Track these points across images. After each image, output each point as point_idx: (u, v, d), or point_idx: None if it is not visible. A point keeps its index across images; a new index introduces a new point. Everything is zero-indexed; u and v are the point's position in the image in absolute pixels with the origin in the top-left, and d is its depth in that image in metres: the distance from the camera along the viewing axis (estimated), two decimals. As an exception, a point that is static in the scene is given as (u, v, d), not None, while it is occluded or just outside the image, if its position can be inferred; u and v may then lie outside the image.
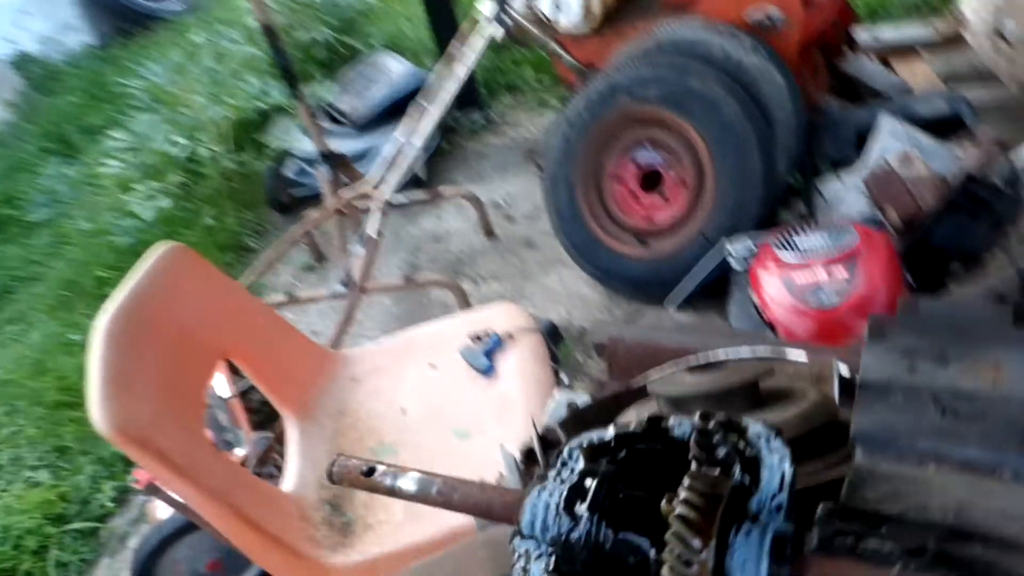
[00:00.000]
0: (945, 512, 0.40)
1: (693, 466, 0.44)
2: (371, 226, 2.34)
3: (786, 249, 2.20)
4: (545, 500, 0.46)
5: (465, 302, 2.75)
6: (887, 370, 0.52)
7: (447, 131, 3.97)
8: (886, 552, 0.38)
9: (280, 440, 2.32)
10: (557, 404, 1.00)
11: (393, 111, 3.81)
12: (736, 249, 2.33)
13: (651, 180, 2.74)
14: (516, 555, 0.46)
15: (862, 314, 2.00)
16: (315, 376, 1.95)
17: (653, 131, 2.68)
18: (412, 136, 2.51)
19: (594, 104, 2.69)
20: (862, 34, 3.56)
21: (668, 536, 0.40)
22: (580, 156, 2.77)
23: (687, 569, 0.39)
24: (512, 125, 4.13)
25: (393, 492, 0.50)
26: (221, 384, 2.38)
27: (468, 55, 2.55)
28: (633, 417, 0.74)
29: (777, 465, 0.44)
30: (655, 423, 0.48)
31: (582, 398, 0.94)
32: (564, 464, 0.48)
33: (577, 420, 0.76)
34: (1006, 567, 0.36)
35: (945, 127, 2.72)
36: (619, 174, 2.80)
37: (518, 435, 1.66)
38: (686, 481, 0.42)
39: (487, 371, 1.82)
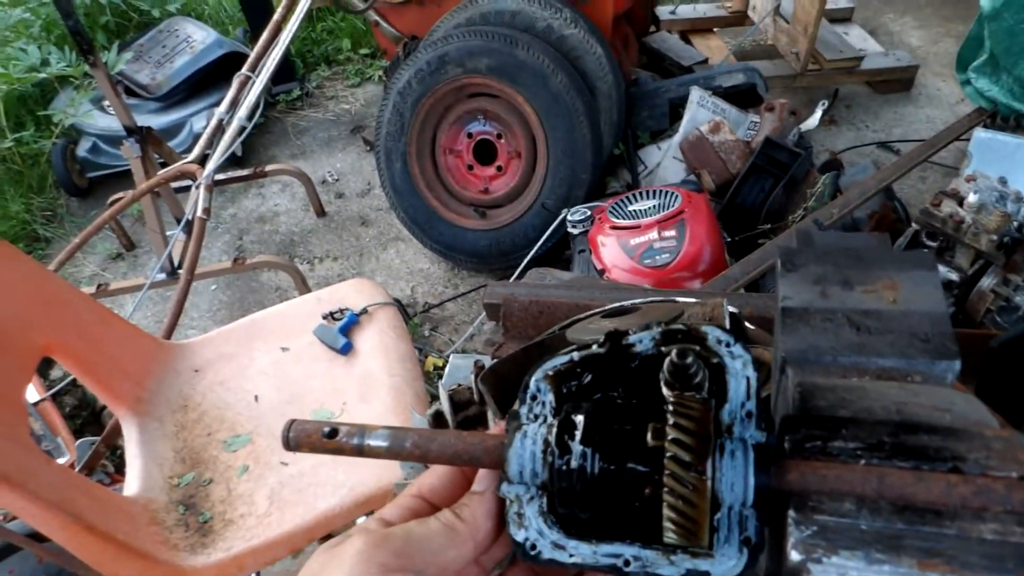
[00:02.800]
0: (889, 412, 0.45)
1: (667, 392, 0.46)
2: (198, 206, 2.17)
3: (620, 215, 2.33)
4: (529, 448, 0.46)
5: (302, 283, 2.64)
6: (803, 297, 0.58)
7: (263, 106, 3.76)
8: (851, 449, 0.43)
9: (107, 444, 2.12)
10: (455, 367, 1.00)
11: (197, 82, 3.55)
12: (574, 217, 2.43)
13: (486, 152, 2.78)
14: (508, 501, 0.46)
15: (691, 270, 2.17)
16: (150, 369, 1.79)
17: (484, 102, 2.71)
18: (235, 108, 2.34)
19: (424, 75, 2.67)
20: (663, 11, 3.82)
21: (667, 462, 0.42)
22: (413, 129, 2.75)
23: (688, 493, 0.41)
24: (332, 98, 3.99)
25: (362, 452, 0.48)
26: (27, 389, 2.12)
27: (290, 21, 2.42)
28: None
29: (741, 371, 0.46)
30: (616, 340, 0.49)
31: (480, 358, 0.95)
32: (534, 398, 0.49)
33: (493, 375, 0.76)
34: (952, 449, 0.42)
35: (742, 96, 2.99)
36: (453, 146, 2.81)
37: (385, 412, 1.65)
38: (671, 417, 0.44)
39: (344, 349, 1.77)
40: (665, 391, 0.46)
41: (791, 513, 0.41)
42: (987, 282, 2.19)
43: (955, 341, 0.54)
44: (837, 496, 0.41)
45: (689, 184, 2.61)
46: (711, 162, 2.63)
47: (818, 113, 2.88)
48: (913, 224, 2.32)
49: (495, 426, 0.80)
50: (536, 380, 0.48)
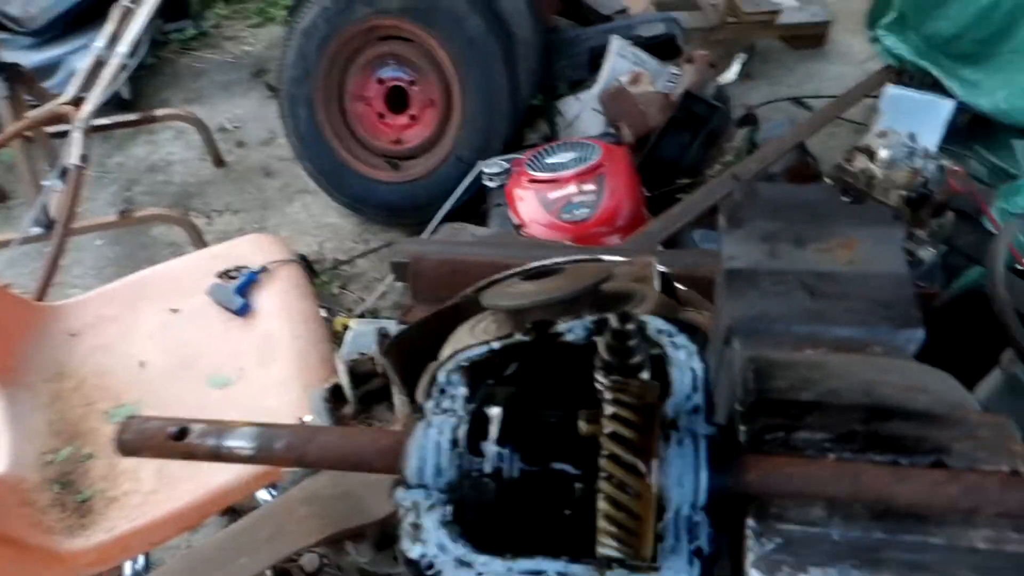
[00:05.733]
0: (857, 394, 0.39)
1: (601, 375, 0.38)
2: (73, 152, 1.96)
3: (538, 167, 2.24)
4: (434, 439, 0.37)
5: (198, 238, 2.45)
6: (751, 257, 0.51)
7: (153, 45, 3.45)
8: (818, 441, 0.36)
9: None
10: (357, 334, 0.90)
11: (78, 16, 3.21)
12: (490, 169, 2.33)
13: (398, 99, 2.62)
14: (402, 509, 0.37)
15: (610, 225, 2.11)
16: (19, 333, 1.61)
17: (396, 46, 2.55)
18: (115, 43, 2.11)
19: (332, 15, 2.48)
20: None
21: (603, 461, 0.34)
22: (319, 73, 2.56)
23: (627, 495, 0.33)
24: (231, 39, 3.70)
25: (220, 456, 0.38)
26: None
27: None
28: (466, 335, 0.67)
29: (685, 362, 0.40)
30: (542, 329, 0.42)
31: (386, 324, 0.85)
32: (443, 392, 0.40)
33: (399, 346, 0.67)
34: (934, 438, 0.35)
35: (661, 48, 2.93)
36: (363, 93, 2.64)
37: (287, 376, 1.53)
38: (609, 394, 0.36)
39: (242, 310, 1.63)
40: (599, 378, 0.38)
41: (750, 522, 0.34)
42: (895, 238, 2.23)
43: (919, 307, 0.48)
44: (805, 500, 0.34)
45: (608, 137, 2.54)
46: (631, 114, 2.57)
47: (736, 66, 2.85)
48: (826, 179, 2.33)
49: (399, 403, 0.71)
50: (447, 372, 0.39)
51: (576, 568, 0.35)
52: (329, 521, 0.60)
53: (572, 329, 0.41)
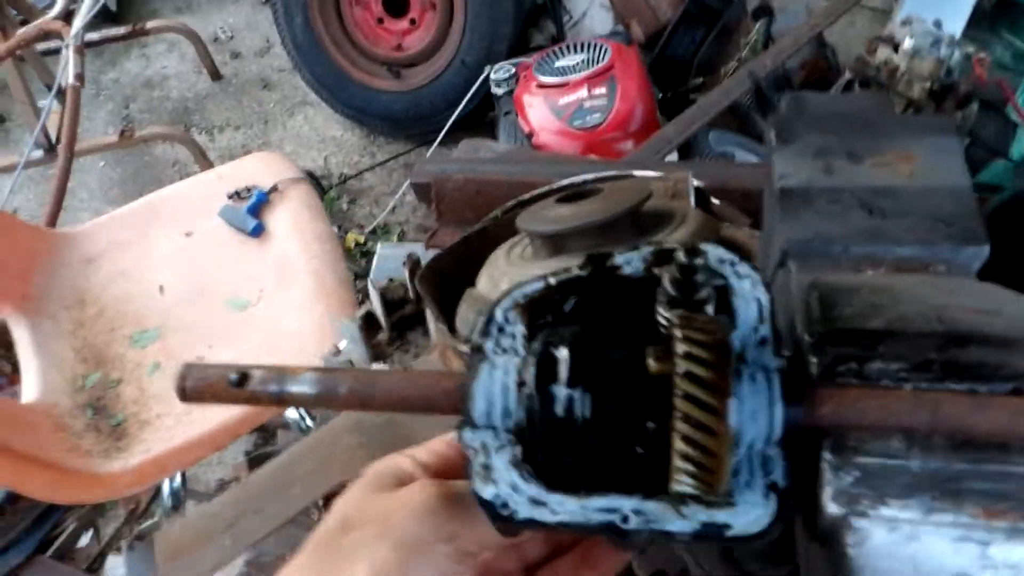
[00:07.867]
0: (930, 320, 0.37)
1: (664, 309, 0.37)
2: (69, 71, 1.89)
3: (546, 71, 2.17)
4: (500, 381, 0.37)
5: (202, 156, 2.41)
6: (804, 174, 0.49)
7: (136, -49, 3.29)
8: (893, 371, 0.35)
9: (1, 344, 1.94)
10: (382, 258, 0.89)
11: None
12: (497, 75, 2.25)
13: (397, 2, 2.52)
14: (471, 450, 0.37)
15: (623, 130, 2.06)
16: (34, 262, 1.61)
17: (392, -57, 2.42)
18: (98, -47, 2.01)
19: (321, -88, 2.35)
20: None
21: (678, 401, 0.33)
22: (312, -24, 2.45)
23: (704, 435, 0.33)
24: (216, -58, 3.52)
25: (283, 400, 0.38)
26: None
27: None
28: (503, 261, 0.66)
29: (750, 292, 0.38)
30: (599, 263, 0.40)
31: (413, 249, 0.84)
32: (501, 331, 0.39)
33: (432, 273, 0.66)
34: (1012, 364, 0.34)
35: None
36: (360, -4, 2.53)
37: (306, 298, 1.53)
38: (679, 331, 0.35)
39: (255, 231, 1.61)
40: (663, 312, 0.37)
41: (827, 455, 0.34)
42: (915, 132, 2.17)
43: (983, 222, 0.47)
44: (882, 432, 0.34)
45: (617, 36, 2.44)
46: (640, 10, 2.46)
47: (750, -46, 2.70)
48: (846, 72, 2.25)
49: (436, 331, 0.71)
50: (503, 310, 0.38)
51: (650, 505, 0.35)
52: (376, 449, 0.61)
53: (630, 261, 0.39)
